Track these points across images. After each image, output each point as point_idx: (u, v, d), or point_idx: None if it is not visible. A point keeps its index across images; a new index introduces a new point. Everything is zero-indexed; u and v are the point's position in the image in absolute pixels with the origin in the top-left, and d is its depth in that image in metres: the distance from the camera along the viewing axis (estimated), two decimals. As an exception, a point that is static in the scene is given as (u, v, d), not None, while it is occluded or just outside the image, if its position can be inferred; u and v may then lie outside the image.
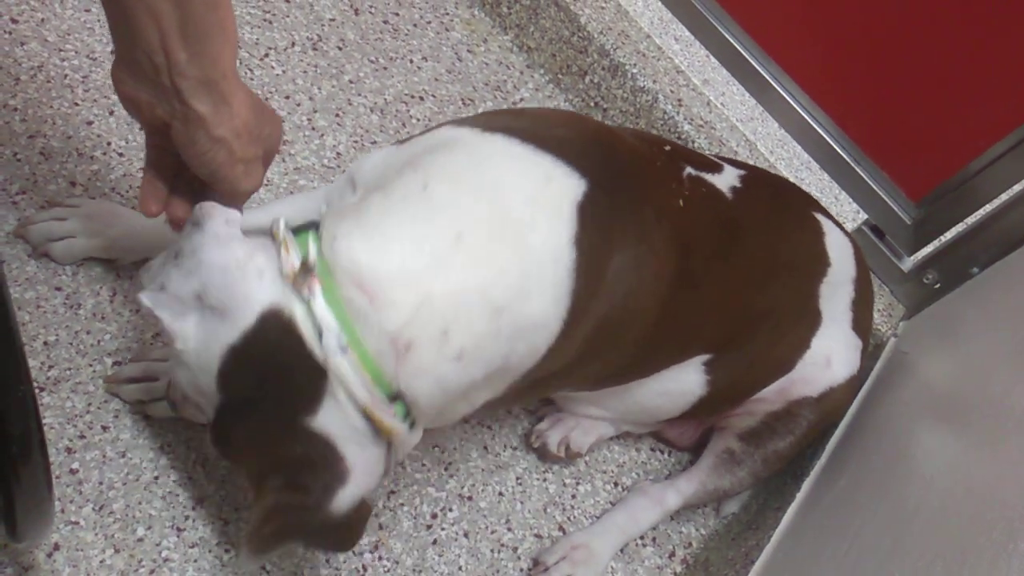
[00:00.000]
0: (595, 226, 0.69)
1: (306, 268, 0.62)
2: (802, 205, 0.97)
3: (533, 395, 0.85)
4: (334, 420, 0.62)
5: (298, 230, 0.66)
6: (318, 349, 0.61)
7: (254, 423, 0.63)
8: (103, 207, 0.87)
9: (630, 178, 0.76)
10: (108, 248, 0.86)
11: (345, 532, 0.68)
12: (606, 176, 0.72)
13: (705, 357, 0.88)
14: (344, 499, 0.64)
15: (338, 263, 0.62)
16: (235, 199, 0.69)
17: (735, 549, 0.97)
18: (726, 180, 0.88)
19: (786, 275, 0.91)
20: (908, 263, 1.20)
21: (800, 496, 0.96)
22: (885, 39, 1.22)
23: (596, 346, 0.75)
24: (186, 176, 0.70)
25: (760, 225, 0.88)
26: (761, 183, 0.95)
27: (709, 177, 0.86)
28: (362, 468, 0.64)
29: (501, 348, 0.66)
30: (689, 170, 0.84)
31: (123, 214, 0.87)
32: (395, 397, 0.63)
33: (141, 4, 0.56)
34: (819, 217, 0.96)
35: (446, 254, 0.63)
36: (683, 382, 0.90)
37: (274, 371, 0.62)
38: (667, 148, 0.86)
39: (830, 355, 0.94)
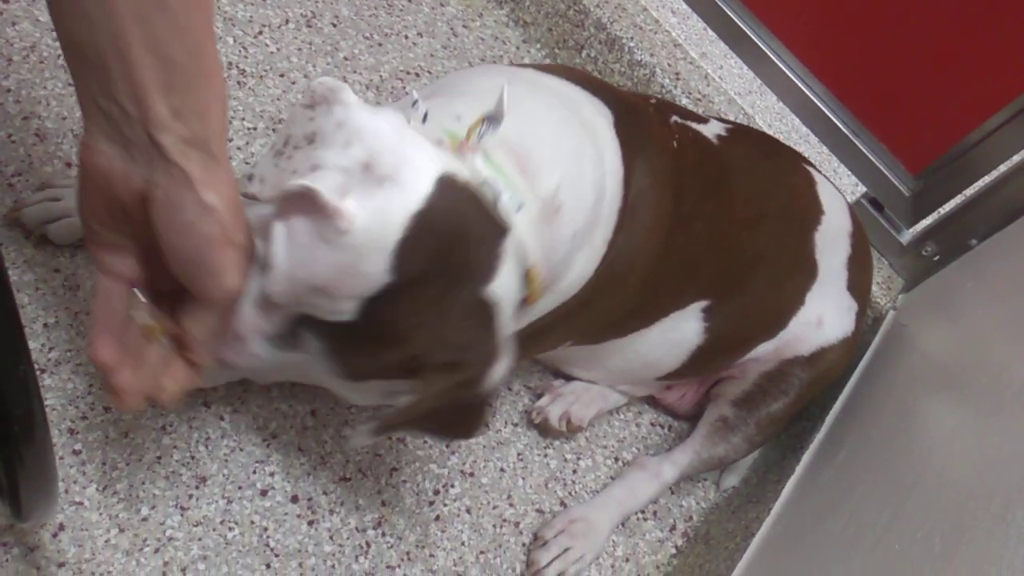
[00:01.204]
0: (626, 154, 0.75)
1: (471, 135, 0.60)
2: (791, 155, 0.98)
3: (541, 343, 0.84)
4: (506, 285, 0.59)
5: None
6: (498, 211, 0.58)
7: (425, 300, 0.56)
8: None
9: (635, 116, 0.79)
10: None
11: (477, 416, 0.65)
12: (619, 111, 0.77)
13: (703, 304, 0.89)
14: (495, 376, 0.61)
15: (485, 133, 0.61)
16: (211, 302, 0.57)
17: (735, 522, 0.98)
18: (712, 130, 0.89)
19: (778, 219, 0.91)
20: (907, 236, 1.20)
21: (799, 469, 0.97)
22: (883, 11, 1.21)
23: (603, 286, 0.76)
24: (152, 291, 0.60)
25: (748, 169, 0.89)
26: (748, 134, 0.97)
27: (695, 125, 0.88)
28: (507, 340, 0.61)
29: (585, 240, 0.71)
30: (675, 118, 0.86)
31: None
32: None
33: (110, 47, 0.48)
34: (809, 168, 0.97)
35: (567, 136, 0.68)
36: (681, 331, 0.90)
37: (458, 238, 0.57)
38: (652, 101, 0.89)
39: (822, 315, 0.95)
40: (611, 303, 0.81)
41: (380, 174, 0.54)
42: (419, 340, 0.58)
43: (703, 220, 0.83)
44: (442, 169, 0.56)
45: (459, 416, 0.64)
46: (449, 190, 0.56)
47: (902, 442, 0.86)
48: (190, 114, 0.51)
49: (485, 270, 0.58)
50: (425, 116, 0.60)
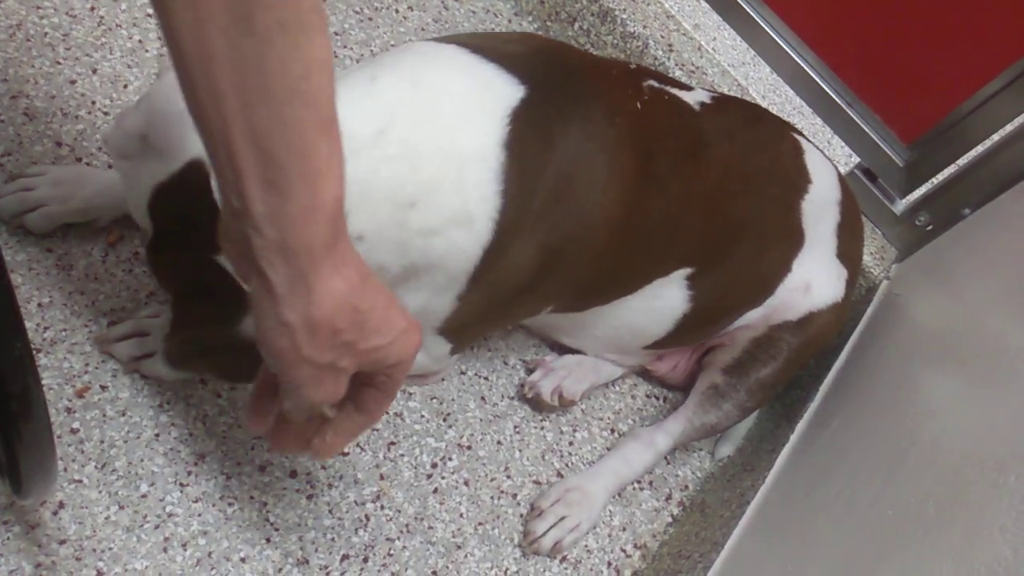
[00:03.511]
0: (532, 129, 0.72)
1: None
2: (778, 124, 0.98)
3: (513, 310, 0.85)
4: None
5: None
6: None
7: (177, 252, 0.69)
8: (70, 170, 0.86)
9: (576, 82, 0.78)
10: (84, 211, 0.85)
11: (248, 362, 0.68)
12: (549, 82, 0.75)
13: (687, 271, 0.89)
14: (248, 326, 0.67)
15: None
16: (299, 406, 0.58)
17: (731, 490, 0.99)
18: (696, 97, 0.89)
19: (764, 186, 0.91)
20: (900, 206, 1.20)
21: (794, 438, 0.98)
22: (876, -21, 1.20)
23: (561, 251, 0.77)
24: None
25: (730, 136, 0.88)
26: (734, 102, 0.96)
27: (674, 91, 0.87)
28: None
29: (413, 241, 0.70)
30: (651, 82, 0.85)
31: (91, 174, 0.86)
32: None
33: (216, 128, 0.45)
34: (797, 137, 0.96)
35: (363, 144, 0.66)
36: (666, 298, 0.90)
37: (194, 210, 0.66)
38: (632, 66, 0.88)
39: (809, 280, 0.95)
40: (579, 266, 0.80)
41: (153, 145, 0.66)
42: (174, 278, 0.72)
43: (679, 182, 0.83)
44: (195, 155, 0.65)
45: (239, 360, 0.70)
46: (191, 173, 0.65)
47: (896, 410, 0.87)
48: (285, 219, 0.47)
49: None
50: None
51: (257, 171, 0.46)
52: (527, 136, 0.72)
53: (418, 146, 0.68)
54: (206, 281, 0.68)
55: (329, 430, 0.61)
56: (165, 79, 0.65)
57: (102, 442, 0.78)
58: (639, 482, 1.01)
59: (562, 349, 1.04)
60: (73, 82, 0.95)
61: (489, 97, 0.72)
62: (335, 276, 0.50)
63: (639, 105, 0.81)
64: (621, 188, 0.78)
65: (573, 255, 0.78)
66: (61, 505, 0.74)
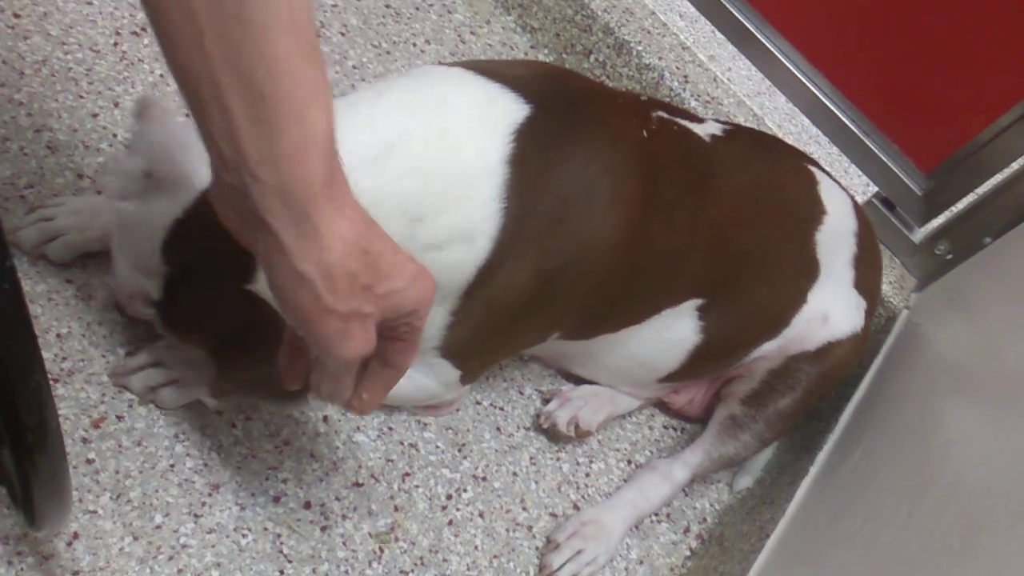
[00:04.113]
0: (535, 147, 0.73)
1: None
2: (792, 155, 0.98)
3: (517, 335, 0.85)
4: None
5: None
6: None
7: (198, 290, 0.69)
8: (88, 200, 0.86)
9: (582, 106, 0.79)
10: (103, 239, 0.85)
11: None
12: (555, 103, 0.76)
13: (698, 302, 0.88)
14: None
15: None
16: (335, 368, 0.57)
17: (750, 523, 0.97)
18: (706, 129, 0.89)
19: (776, 217, 0.91)
20: (919, 234, 1.19)
21: (814, 470, 0.96)
22: (892, 9, 1.20)
23: (560, 273, 0.77)
24: None
25: (741, 168, 0.88)
26: (746, 134, 0.96)
27: (684, 122, 0.87)
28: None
29: (417, 255, 0.69)
30: (660, 113, 0.86)
31: (110, 204, 0.87)
32: None
33: (203, 72, 0.44)
34: (811, 168, 0.96)
35: (371, 161, 0.67)
36: (677, 329, 0.90)
37: (217, 242, 0.63)
38: (642, 98, 0.89)
39: (827, 311, 0.94)
40: (581, 291, 0.80)
41: (158, 180, 0.66)
42: (201, 325, 0.71)
43: (687, 212, 0.82)
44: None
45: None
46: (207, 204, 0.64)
47: (918, 441, 0.86)
48: (279, 158, 0.46)
49: (247, 268, 0.65)
50: None
51: (246, 111, 0.45)
52: (530, 155, 0.72)
53: (427, 161, 0.69)
54: (242, 313, 0.68)
55: (363, 389, 0.61)
56: (153, 114, 0.66)
57: (117, 472, 0.78)
58: (656, 514, 1.00)
59: (578, 380, 1.03)
60: (95, 115, 0.96)
61: (494, 113, 0.73)
62: (339, 218, 0.49)
63: (645, 133, 0.81)
64: (624, 214, 0.78)
65: (573, 279, 0.78)
66: (75, 536, 0.74)
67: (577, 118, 0.77)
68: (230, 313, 0.68)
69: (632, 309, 0.87)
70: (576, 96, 0.79)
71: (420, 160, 0.69)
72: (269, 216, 0.48)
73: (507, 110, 0.73)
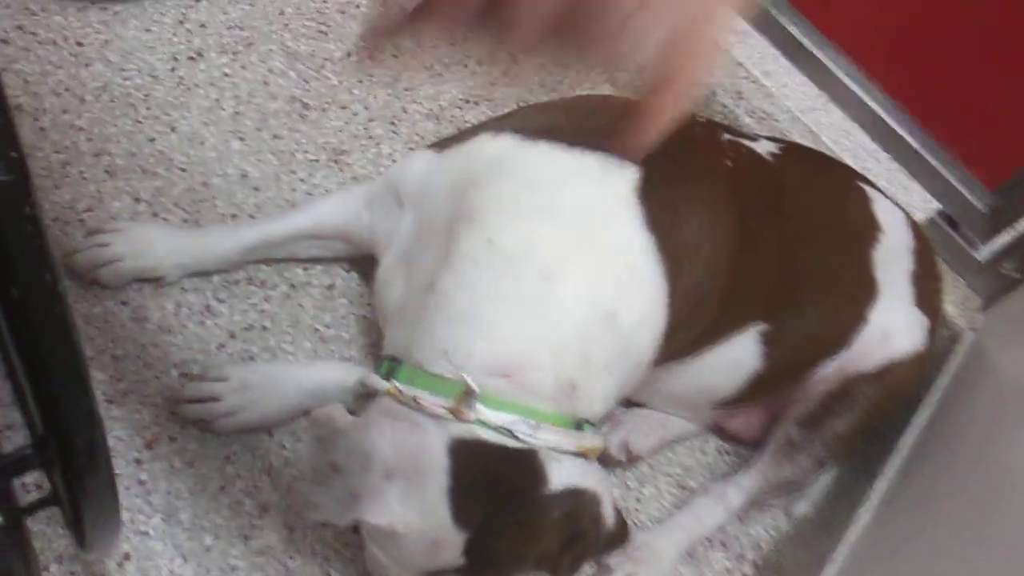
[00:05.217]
0: (661, 204, 0.71)
1: (464, 397, 0.63)
2: (845, 172, 0.96)
3: None
4: (564, 472, 0.65)
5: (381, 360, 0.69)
6: (517, 443, 0.63)
7: (508, 530, 0.65)
8: (144, 228, 0.88)
9: (678, 148, 0.76)
10: (155, 268, 0.87)
11: (620, 531, 0.72)
12: (654, 154, 0.72)
13: (760, 326, 0.86)
14: (608, 513, 0.69)
15: (470, 367, 0.64)
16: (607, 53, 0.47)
17: (808, 551, 0.94)
18: (763, 147, 0.88)
19: (834, 236, 0.89)
20: (984, 253, 1.15)
21: (875, 495, 0.93)
22: (954, 21, 1.17)
23: (686, 318, 0.76)
24: None
25: (801, 187, 0.87)
26: (800, 151, 0.95)
27: (747, 143, 0.87)
28: (600, 485, 0.68)
29: (630, 343, 0.70)
30: (726, 136, 0.85)
31: (165, 232, 0.89)
32: (580, 424, 0.67)
33: None
34: (864, 186, 0.95)
35: (545, 300, 0.66)
36: (737, 353, 0.88)
37: (495, 484, 0.64)
38: (700, 119, 0.87)
39: (888, 330, 0.92)
40: (693, 330, 0.80)
41: (403, 474, 0.63)
42: (531, 551, 0.65)
43: (765, 239, 0.82)
44: (448, 440, 0.63)
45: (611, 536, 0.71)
46: (465, 453, 0.63)
47: (986, 466, 0.83)
48: None
49: (535, 481, 0.64)
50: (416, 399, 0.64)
51: None
52: (661, 212, 0.71)
53: (583, 268, 0.68)
54: (553, 522, 0.66)
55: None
56: (343, 429, 0.65)
57: (169, 493, 0.79)
58: (710, 540, 0.97)
59: (628, 402, 1.01)
60: (152, 140, 0.98)
61: (611, 186, 0.70)
62: None
63: (730, 164, 0.81)
64: (728, 254, 0.77)
65: (695, 319, 0.78)
66: (127, 557, 0.75)
67: (680, 163, 0.75)
68: (541, 527, 0.65)
69: (707, 337, 0.86)
70: (667, 139, 0.77)
71: (578, 270, 0.67)
72: None
73: (620, 177, 0.71)
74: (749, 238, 0.79)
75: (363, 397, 0.68)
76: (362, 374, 0.71)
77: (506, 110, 1.21)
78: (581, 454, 0.66)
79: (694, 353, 0.87)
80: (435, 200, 0.76)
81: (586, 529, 0.67)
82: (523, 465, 0.64)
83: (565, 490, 0.65)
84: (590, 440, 0.67)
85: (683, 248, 0.73)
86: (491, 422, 0.63)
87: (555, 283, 0.66)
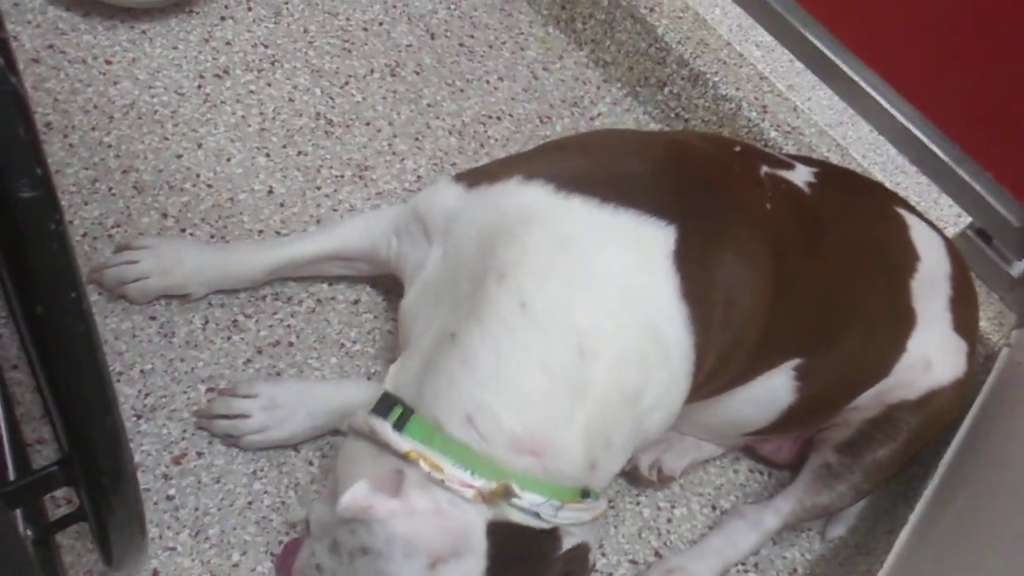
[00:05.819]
0: (696, 265, 0.69)
1: (500, 490, 0.62)
2: (881, 198, 0.94)
3: None
4: (574, 538, 0.67)
5: (398, 418, 0.66)
6: (542, 523, 0.64)
7: None
8: (172, 245, 0.88)
9: (714, 196, 0.75)
10: (182, 285, 0.87)
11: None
12: (689, 206, 0.71)
13: (795, 362, 0.84)
14: (594, 558, 0.71)
15: (497, 440, 0.63)
16: None
17: (844, 575, 0.92)
18: (800, 176, 0.86)
19: (872, 270, 0.87)
20: (1018, 267, 1.13)
21: (913, 518, 0.91)
22: (982, 30, 1.15)
23: (717, 369, 0.75)
24: None
25: (839, 218, 0.85)
26: (836, 178, 0.93)
27: (785, 174, 0.85)
28: (591, 535, 0.70)
29: (646, 424, 0.70)
30: (765, 169, 0.83)
31: (193, 250, 0.88)
32: (587, 493, 0.67)
33: None
34: (901, 211, 0.93)
35: (578, 378, 0.65)
36: (772, 388, 0.86)
37: (521, 558, 0.65)
38: (737, 149, 0.85)
39: (929, 357, 0.89)
40: (726, 377, 0.79)
41: (445, 558, 0.61)
42: None
43: (802, 278, 0.80)
44: (485, 523, 0.62)
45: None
46: (500, 536, 0.63)
47: (1025, 486, 0.80)
48: None
49: (550, 555, 0.65)
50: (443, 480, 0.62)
51: None
52: (694, 276, 0.69)
53: (616, 342, 0.66)
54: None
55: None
56: (381, 520, 0.62)
57: (196, 509, 0.78)
58: (744, 564, 0.95)
59: (658, 419, 1.00)
60: (180, 156, 0.98)
61: (646, 251, 0.68)
62: None
63: (769, 206, 0.79)
64: (766, 301, 0.76)
65: (728, 368, 0.77)
66: (155, 573, 0.74)
67: (716, 215, 0.73)
68: None
69: (745, 376, 0.84)
70: (703, 185, 0.75)
71: (612, 344, 0.66)
72: None
73: (655, 241, 0.69)
74: (786, 280, 0.77)
75: (370, 438, 0.66)
76: (372, 419, 0.66)
77: (528, 125, 1.21)
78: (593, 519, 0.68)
79: (725, 389, 0.85)
80: (463, 243, 0.74)
81: (578, 572, 0.69)
82: (545, 539, 0.65)
83: (570, 548, 0.67)
84: (601, 507, 0.69)
85: (719, 307, 0.71)
86: (522, 506, 0.62)
87: (589, 361, 0.65)
